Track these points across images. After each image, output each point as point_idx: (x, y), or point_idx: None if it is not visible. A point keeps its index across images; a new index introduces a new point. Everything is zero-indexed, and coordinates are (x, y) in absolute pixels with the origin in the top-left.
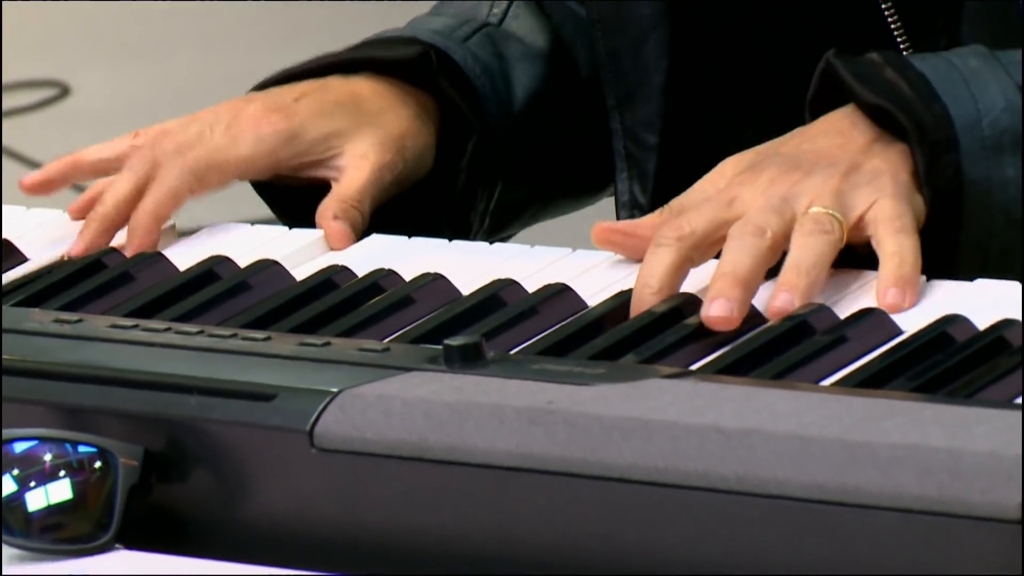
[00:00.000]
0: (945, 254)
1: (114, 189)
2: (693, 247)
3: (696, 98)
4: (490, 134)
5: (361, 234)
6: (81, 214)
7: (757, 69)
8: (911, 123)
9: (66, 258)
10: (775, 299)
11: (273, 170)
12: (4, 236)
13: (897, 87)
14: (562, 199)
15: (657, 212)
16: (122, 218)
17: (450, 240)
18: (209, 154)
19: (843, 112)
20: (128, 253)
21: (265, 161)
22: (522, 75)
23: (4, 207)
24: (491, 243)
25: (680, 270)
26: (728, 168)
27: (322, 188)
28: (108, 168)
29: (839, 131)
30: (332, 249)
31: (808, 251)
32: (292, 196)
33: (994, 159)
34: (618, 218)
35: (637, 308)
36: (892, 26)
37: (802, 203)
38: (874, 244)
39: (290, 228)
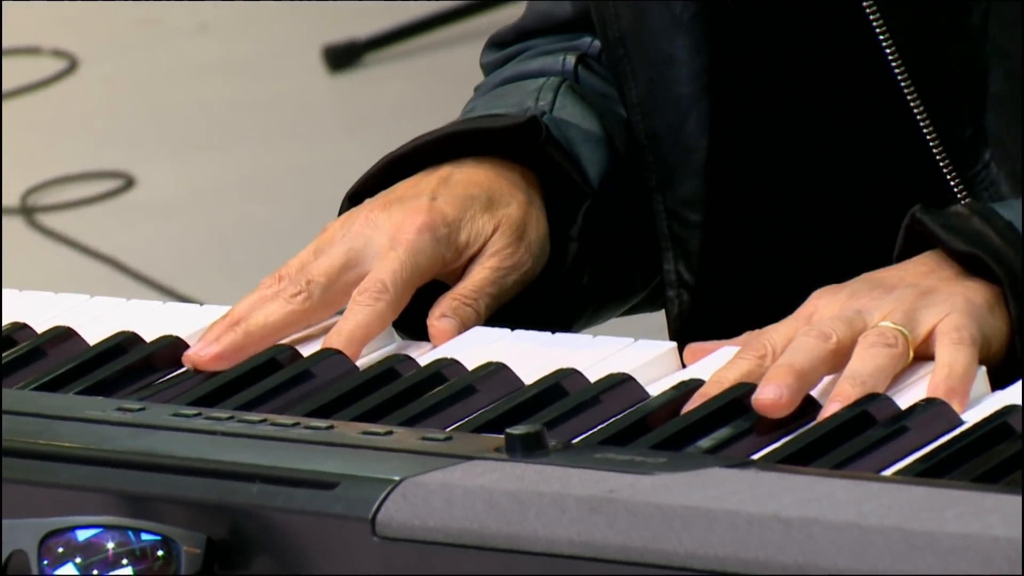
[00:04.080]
0: None
1: (266, 311)
2: (770, 366)
3: (737, 174)
4: (596, 201)
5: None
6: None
7: (797, 143)
8: (1003, 271)
9: (190, 365)
10: (826, 407)
11: (437, 275)
12: (67, 324)
13: (986, 236)
14: (616, 297)
15: (747, 333)
16: (264, 342)
17: (553, 333)
18: (396, 274)
19: (931, 252)
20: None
21: (436, 267)
22: (590, 156)
23: (68, 295)
24: (552, 333)
25: (756, 380)
26: (817, 291)
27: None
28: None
29: (925, 262)
30: (437, 343)
31: (867, 362)
32: None
33: None
34: (666, 299)
35: (703, 393)
36: (917, 114)
37: (875, 317)
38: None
39: None
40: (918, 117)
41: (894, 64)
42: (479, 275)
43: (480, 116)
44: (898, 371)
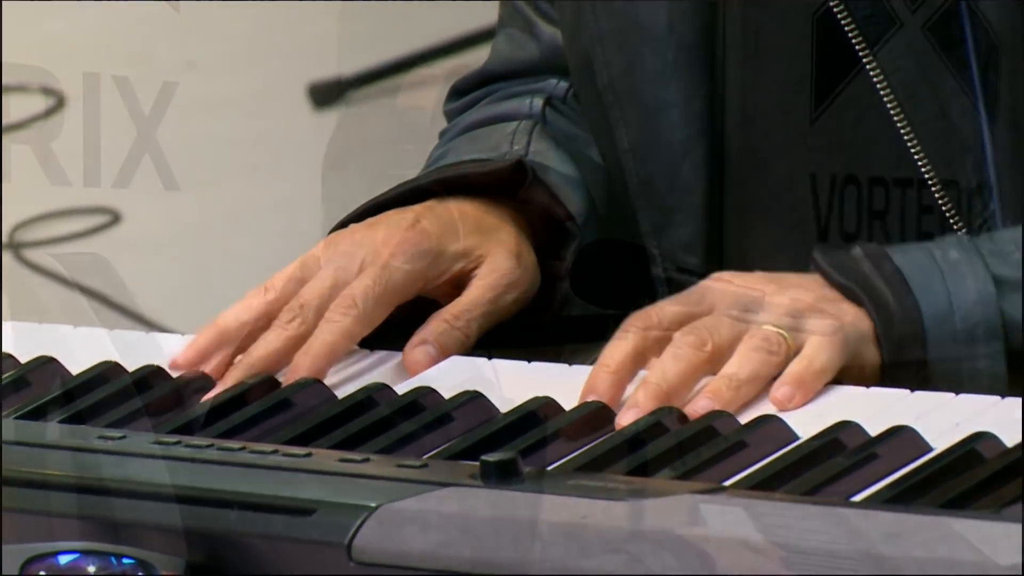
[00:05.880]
0: None
1: (265, 342)
2: (656, 339)
3: (736, 217)
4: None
5: (464, 351)
6: (198, 354)
7: (796, 187)
8: (880, 316)
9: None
10: (696, 403)
11: (420, 292)
12: (50, 354)
13: (870, 280)
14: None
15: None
16: (268, 372)
17: (529, 361)
18: (367, 289)
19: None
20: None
21: (417, 284)
22: (571, 198)
23: (53, 326)
24: (529, 362)
25: (641, 356)
26: (716, 274)
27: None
28: (254, 331)
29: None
30: (412, 374)
31: (746, 367)
32: None
33: (966, 351)
34: None
35: (591, 386)
36: (920, 164)
37: (761, 317)
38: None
39: None
40: (920, 167)
41: (895, 114)
42: (474, 292)
43: (465, 161)
44: (774, 376)
